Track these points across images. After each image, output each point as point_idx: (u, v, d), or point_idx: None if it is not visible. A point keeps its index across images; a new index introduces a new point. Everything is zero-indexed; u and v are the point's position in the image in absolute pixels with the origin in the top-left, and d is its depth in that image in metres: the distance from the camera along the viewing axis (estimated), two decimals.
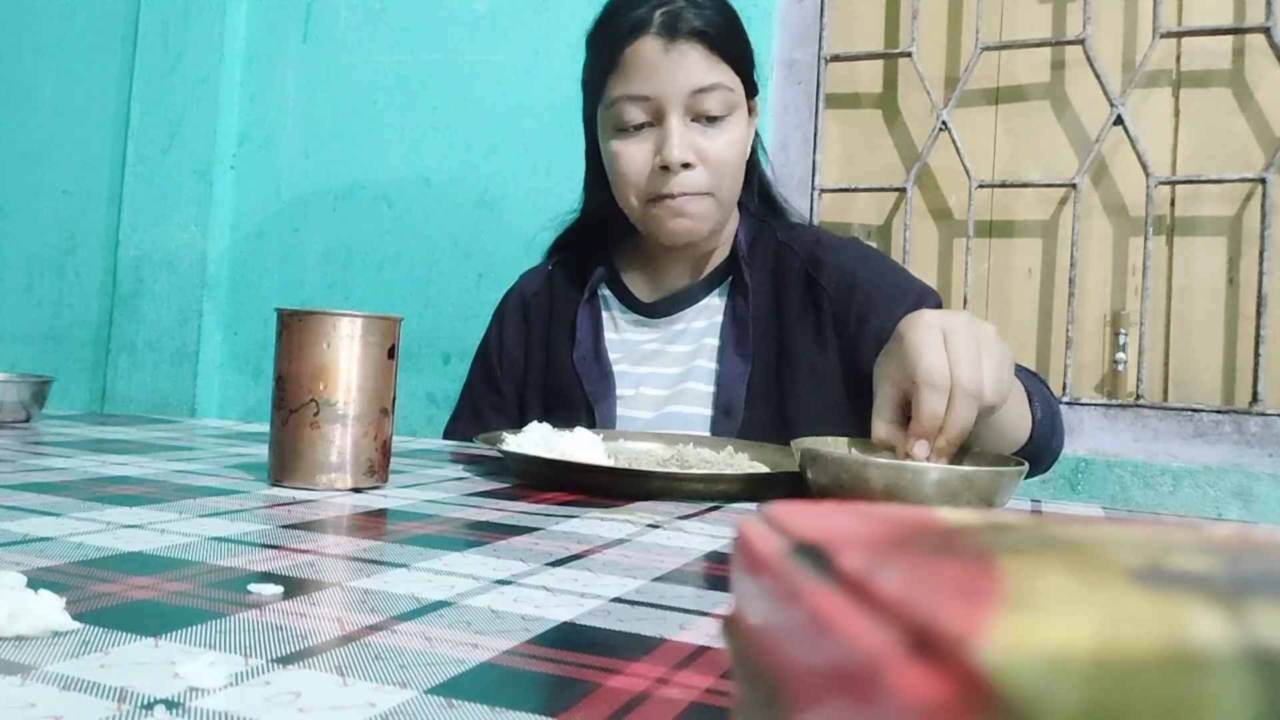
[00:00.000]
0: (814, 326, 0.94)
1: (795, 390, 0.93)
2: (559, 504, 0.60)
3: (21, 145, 1.71)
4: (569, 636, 0.31)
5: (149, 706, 0.23)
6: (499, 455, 0.77)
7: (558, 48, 1.40)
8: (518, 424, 0.93)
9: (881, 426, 0.66)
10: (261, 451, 0.80)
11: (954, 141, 1.31)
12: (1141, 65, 1.25)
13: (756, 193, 1.04)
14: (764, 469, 0.72)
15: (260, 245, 1.57)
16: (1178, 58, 1.28)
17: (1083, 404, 1.25)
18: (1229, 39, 1.25)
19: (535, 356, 1.05)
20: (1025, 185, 1.31)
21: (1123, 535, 0.14)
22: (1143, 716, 0.08)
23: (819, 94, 1.37)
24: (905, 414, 0.65)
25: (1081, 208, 1.27)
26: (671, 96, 0.89)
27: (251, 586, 0.34)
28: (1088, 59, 1.27)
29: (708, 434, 0.92)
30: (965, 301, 1.31)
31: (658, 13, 0.89)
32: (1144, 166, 1.24)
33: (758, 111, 0.98)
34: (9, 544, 0.40)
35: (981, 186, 1.31)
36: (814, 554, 0.14)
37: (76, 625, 0.28)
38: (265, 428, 0.85)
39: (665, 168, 0.90)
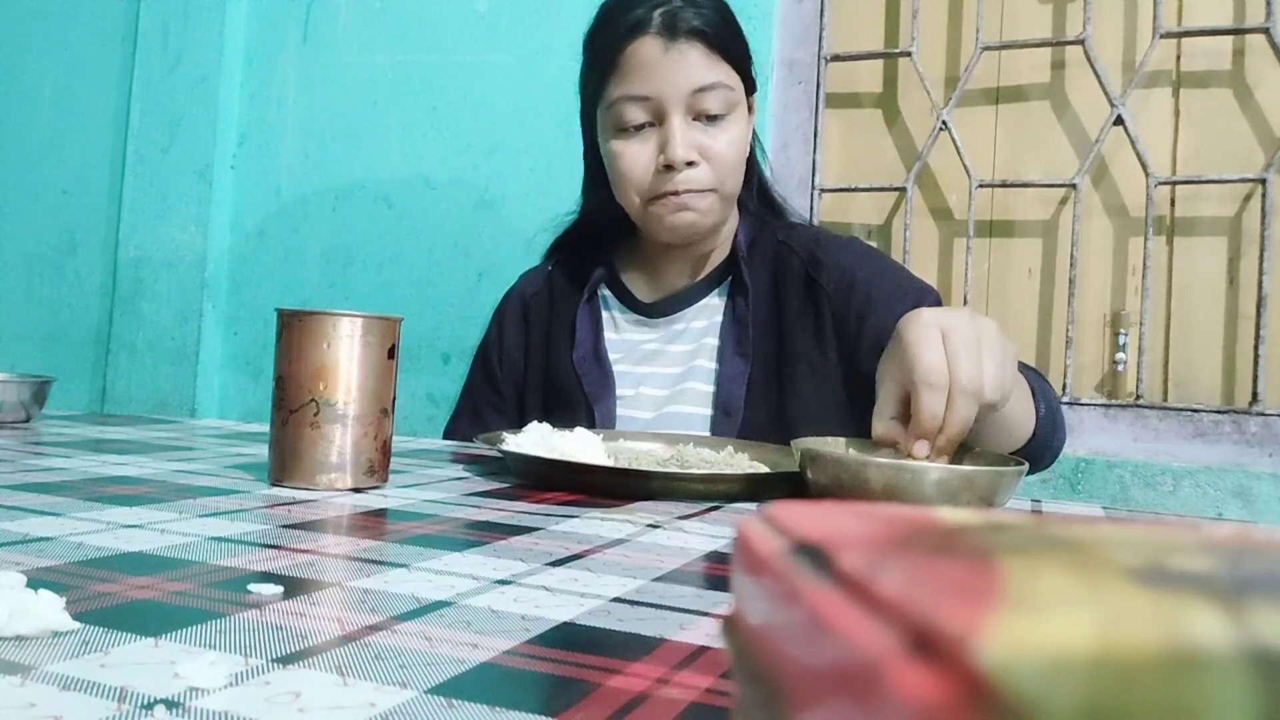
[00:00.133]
0: (814, 326, 0.94)
1: (795, 390, 0.93)
2: (559, 504, 0.60)
3: (21, 145, 1.71)
4: (569, 636, 0.31)
5: (149, 706, 0.23)
6: (499, 455, 0.77)
7: (558, 48, 1.40)
8: (518, 424, 0.93)
9: (881, 425, 0.66)
10: (261, 451, 0.80)
11: (954, 141, 1.31)
12: (1141, 65, 1.25)
13: (755, 191, 1.04)
14: (764, 469, 0.72)
15: (260, 245, 1.57)
16: (1178, 58, 1.28)
17: (1083, 404, 1.25)
18: (1229, 39, 1.25)
19: (535, 357, 1.05)
20: (1025, 185, 1.31)
21: (1123, 535, 0.14)
22: (1143, 716, 0.08)
23: (819, 94, 1.37)
24: (906, 413, 0.65)
25: (1081, 208, 1.27)
26: (672, 96, 0.89)
27: (251, 586, 0.34)
28: (1088, 59, 1.27)
29: (708, 434, 0.92)
30: (965, 301, 1.31)
31: (656, 13, 0.89)
32: (1144, 166, 1.24)
33: (755, 109, 0.98)
34: (9, 544, 0.40)
35: (981, 186, 1.31)
36: (814, 554, 0.14)
37: (76, 625, 0.28)
38: (265, 428, 0.85)
39: (669, 167, 0.90)
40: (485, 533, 0.48)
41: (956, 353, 0.62)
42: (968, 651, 0.09)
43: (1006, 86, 1.35)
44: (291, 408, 0.60)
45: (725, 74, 0.91)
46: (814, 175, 1.37)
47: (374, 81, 1.51)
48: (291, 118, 1.56)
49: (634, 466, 0.70)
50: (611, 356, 1.00)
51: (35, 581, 0.31)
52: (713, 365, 0.96)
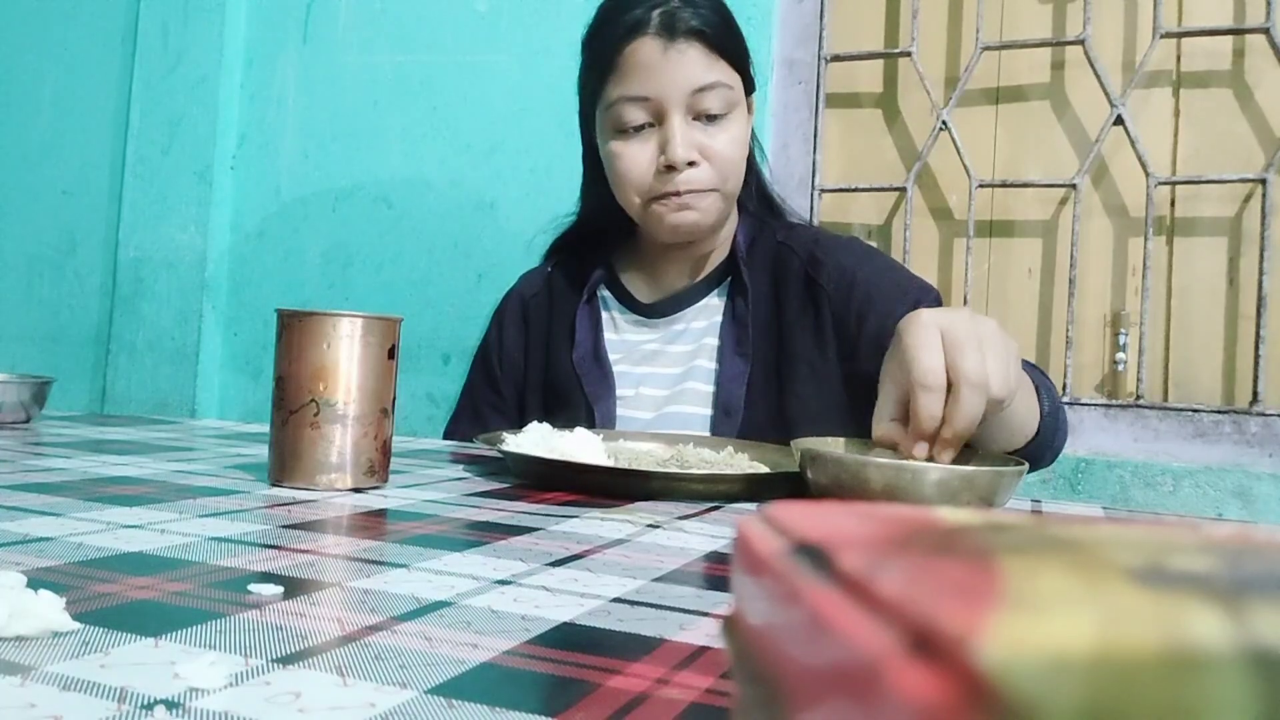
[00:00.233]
0: (813, 326, 0.94)
1: (795, 390, 0.93)
2: (559, 504, 0.60)
3: (21, 145, 1.71)
4: (569, 636, 0.31)
5: (149, 706, 0.23)
6: (499, 455, 0.77)
7: (558, 48, 1.40)
8: (518, 424, 0.93)
9: (881, 427, 0.66)
10: (261, 451, 0.80)
11: (954, 141, 1.31)
12: (1141, 65, 1.25)
13: (755, 192, 1.04)
14: (764, 469, 0.72)
15: (260, 245, 1.57)
16: (1178, 58, 1.28)
17: (1083, 404, 1.25)
18: (1229, 39, 1.25)
19: (535, 357, 1.05)
20: (1025, 185, 1.31)
21: (1123, 535, 0.14)
22: (1143, 716, 0.08)
23: (819, 94, 1.37)
24: (906, 415, 0.65)
25: (1081, 208, 1.27)
26: (672, 96, 0.89)
27: (251, 586, 0.34)
28: (1088, 59, 1.27)
29: (708, 434, 0.92)
30: (965, 301, 1.31)
31: (655, 13, 0.89)
32: (1144, 167, 1.24)
33: (754, 109, 0.98)
34: (9, 544, 0.40)
35: (981, 186, 1.31)
36: (814, 554, 0.14)
37: (76, 625, 0.28)
38: (265, 428, 0.85)
39: (670, 167, 0.90)
40: (485, 533, 0.48)
41: (959, 350, 0.62)
42: (968, 651, 0.09)
43: (1006, 86, 1.35)
44: (291, 408, 0.60)
45: (724, 73, 0.91)
46: (814, 175, 1.37)
47: (374, 81, 1.51)
48: (291, 118, 1.56)
49: (634, 466, 0.70)
50: (611, 357, 1.00)
51: (35, 581, 0.31)
52: (712, 365, 0.96)
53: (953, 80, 1.35)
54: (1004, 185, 1.31)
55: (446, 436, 1.10)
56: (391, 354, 0.63)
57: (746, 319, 0.96)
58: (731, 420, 0.93)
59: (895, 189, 1.36)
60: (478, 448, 0.94)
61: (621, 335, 1.03)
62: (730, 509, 0.62)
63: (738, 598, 0.17)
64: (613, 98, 0.91)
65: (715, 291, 1.01)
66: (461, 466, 0.77)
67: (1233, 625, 0.09)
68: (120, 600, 0.32)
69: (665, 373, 0.98)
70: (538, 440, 0.73)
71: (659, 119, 0.91)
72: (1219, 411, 1.20)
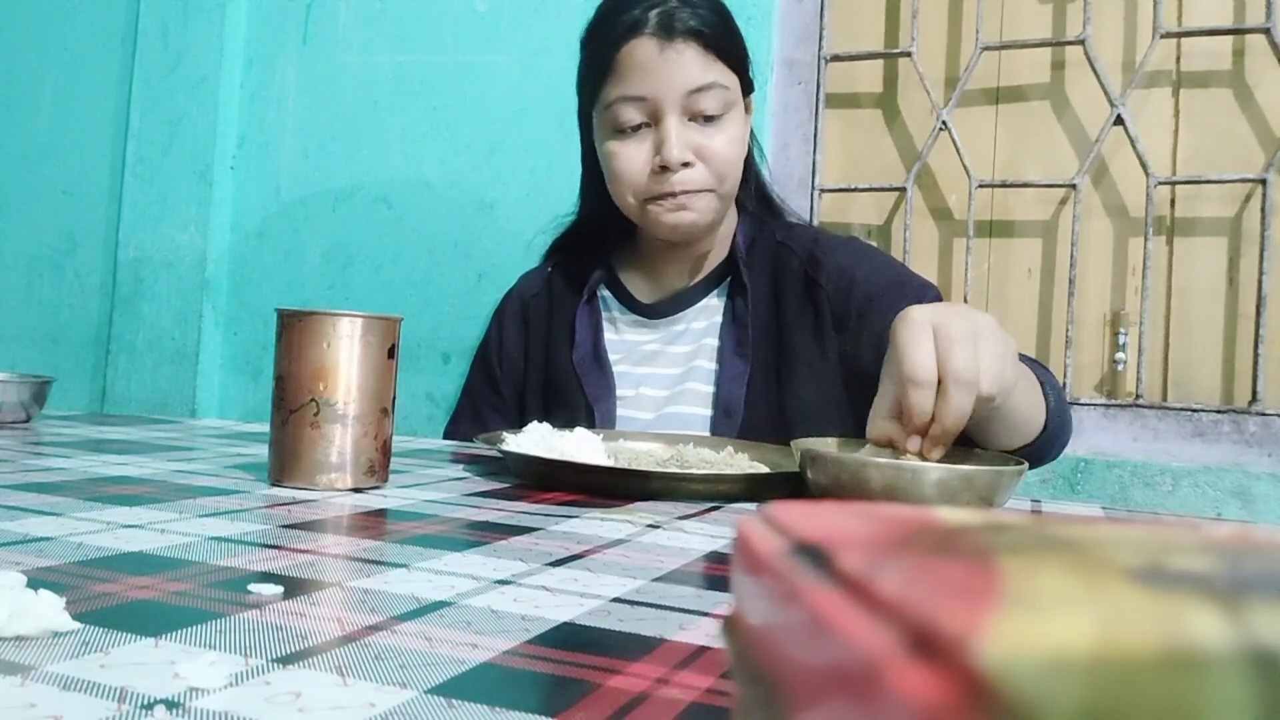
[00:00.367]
0: (813, 326, 0.94)
1: (795, 390, 0.93)
2: (559, 504, 0.60)
3: (21, 145, 1.71)
4: (569, 636, 0.31)
5: (149, 706, 0.23)
6: (499, 455, 0.77)
7: (558, 48, 1.40)
8: (518, 424, 0.93)
9: (876, 425, 0.66)
10: (261, 451, 0.80)
11: (954, 141, 1.31)
12: (1141, 65, 1.25)
13: (754, 192, 1.04)
14: (764, 469, 0.73)
15: (260, 246, 1.57)
16: (1178, 58, 1.28)
17: (1082, 404, 1.25)
18: (1229, 39, 1.25)
19: (535, 357, 1.05)
20: (1025, 185, 1.31)
21: (1123, 535, 0.14)
22: (1142, 716, 0.08)
23: (819, 94, 1.37)
24: (902, 412, 0.65)
25: (1081, 208, 1.27)
26: (668, 97, 0.89)
27: (251, 586, 0.34)
28: (1088, 59, 1.27)
29: (708, 434, 0.92)
30: (965, 301, 1.31)
31: (652, 13, 0.89)
32: (1144, 167, 1.24)
33: (753, 109, 0.98)
34: (9, 544, 0.40)
35: (981, 186, 1.31)
36: (814, 554, 0.14)
37: (76, 625, 0.28)
38: (265, 428, 0.85)
39: (665, 168, 0.90)
40: (485, 533, 0.48)
41: (949, 346, 0.62)
42: (968, 651, 0.09)
43: (1006, 86, 1.35)
44: (291, 408, 0.60)
45: (721, 74, 0.91)
46: (814, 175, 1.37)
47: (374, 81, 1.51)
48: (291, 118, 1.56)
49: (634, 466, 0.70)
50: (611, 357, 1.00)
51: (35, 581, 0.31)
52: (712, 366, 0.96)
53: (953, 80, 1.35)
54: (1004, 185, 1.31)
55: (446, 436, 1.10)
56: (391, 354, 0.63)
57: (746, 319, 0.96)
58: (731, 420, 0.93)
59: (895, 189, 1.36)
60: (478, 448, 0.94)
61: (621, 335, 1.03)
62: (730, 509, 0.62)
63: (738, 598, 0.17)
64: (610, 98, 0.91)
65: (715, 292, 1.01)
66: (461, 466, 0.77)
67: (1232, 625, 0.09)
68: (120, 600, 0.32)
69: (665, 373, 0.98)
70: (538, 440, 0.73)
71: (655, 119, 0.91)
72: (1218, 411, 1.20)
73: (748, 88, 0.96)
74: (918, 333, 0.63)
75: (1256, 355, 1.18)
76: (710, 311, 1.00)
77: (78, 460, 0.68)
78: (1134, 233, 1.28)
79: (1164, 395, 1.26)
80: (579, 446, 0.71)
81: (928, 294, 0.93)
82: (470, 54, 1.46)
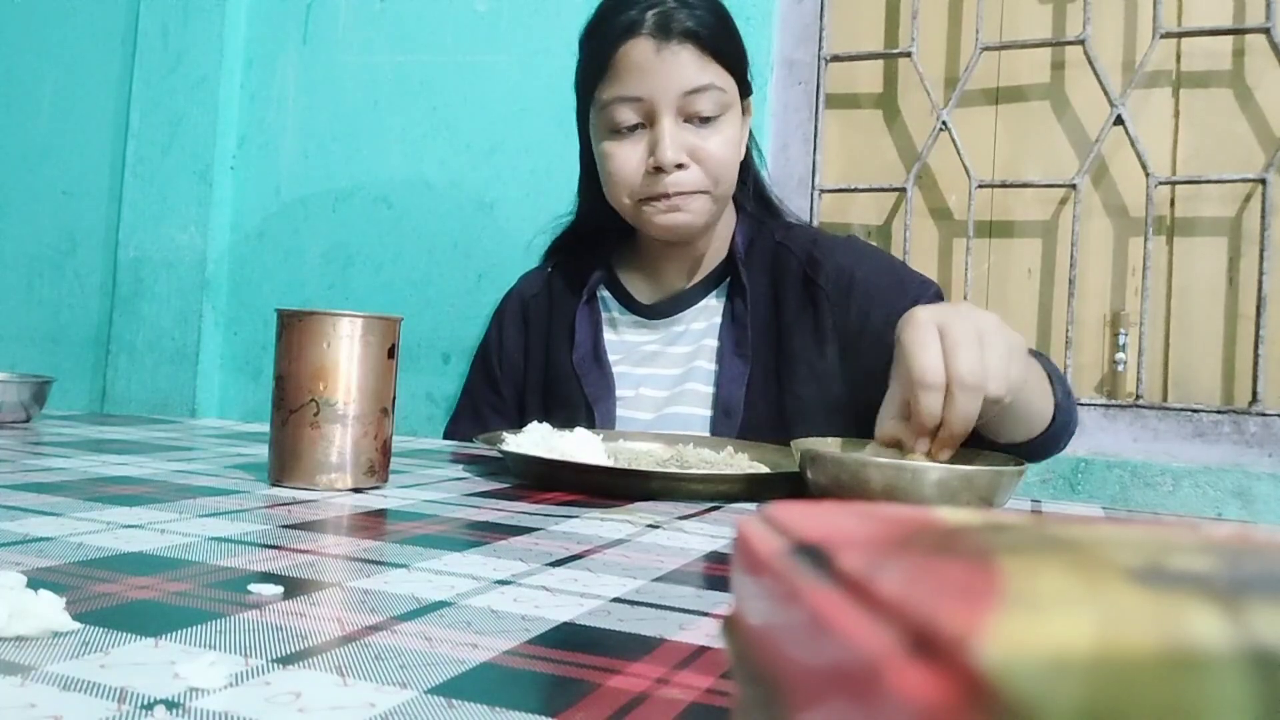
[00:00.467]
0: (812, 326, 0.94)
1: (794, 390, 0.93)
2: (559, 504, 0.60)
3: (21, 145, 1.71)
4: (569, 636, 0.31)
5: (149, 706, 0.23)
6: (499, 455, 0.77)
7: (558, 48, 1.40)
8: (518, 425, 0.93)
9: (884, 426, 0.66)
10: (261, 451, 0.80)
11: (954, 141, 1.31)
12: (1141, 65, 1.25)
13: (752, 193, 1.04)
14: (764, 469, 0.73)
15: (260, 246, 1.57)
16: (1178, 58, 1.28)
17: (1083, 404, 1.25)
18: (1229, 39, 1.25)
19: (535, 358, 1.05)
20: (1025, 185, 1.31)
21: (1123, 535, 0.14)
22: (1142, 716, 0.08)
23: (819, 94, 1.37)
24: (910, 412, 0.65)
25: (1081, 208, 1.27)
26: (663, 98, 0.89)
27: (251, 586, 0.34)
28: (1088, 59, 1.27)
29: (708, 434, 0.92)
30: (965, 301, 1.31)
31: (649, 14, 0.89)
32: (1144, 167, 1.24)
33: (751, 111, 0.98)
34: (9, 544, 0.40)
35: (981, 186, 1.31)
36: (814, 554, 0.14)
37: (76, 625, 0.28)
38: (265, 428, 0.85)
39: (659, 169, 0.90)
40: (485, 533, 0.48)
41: (955, 349, 0.62)
42: (968, 651, 0.09)
43: (1006, 87, 1.35)
44: (291, 408, 0.60)
45: (718, 76, 0.91)
46: (814, 176, 1.37)
47: (374, 81, 1.51)
48: (291, 118, 1.56)
49: (634, 466, 0.70)
50: (611, 357, 1.00)
51: (35, 581, 0.31)
52: (712, 366, 0.96)
53: (953, 80, 1.35)
54: (1004, 185, 1.31)
55: (446, 436, 1.10)
56: (391, 354, 0.63)
57: (745, 320, 0.96)
58: (731, 421, 0.93)
59: (895, 189, 1.36)
60: (478, 448, 0.94)
61: (621, 336, 1.03)
62: (730, 509, 0.62)
63: (738, 598, 0.17)
64: (606, 98, 0.91)
65: (714, 292, 1.01)
66: (461, 466, 0.77)
67: (1232, 625, 0.09)
68: (120, 600, 0.32)
69: (665, 374, 0.98)
70: (538, 440, 0.73)
71: (651, 120, 0.91)
72: (1218, 411, 1.20)
73: (745, 90, 0.95)
74: (924, 335, 0.63)
75: (1257, 355, 1.18)
76: (710, 312, 1.00)
77: (78, 460, 0.68)
78: (1134, 233, 1.28)
79: (1164, 395, 1.26)
80: (579, 446, 0.71)
81: (927, 291, 0.93)
82: (470, 54, 1.46)
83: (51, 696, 0.23)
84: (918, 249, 1.36)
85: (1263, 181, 1.20)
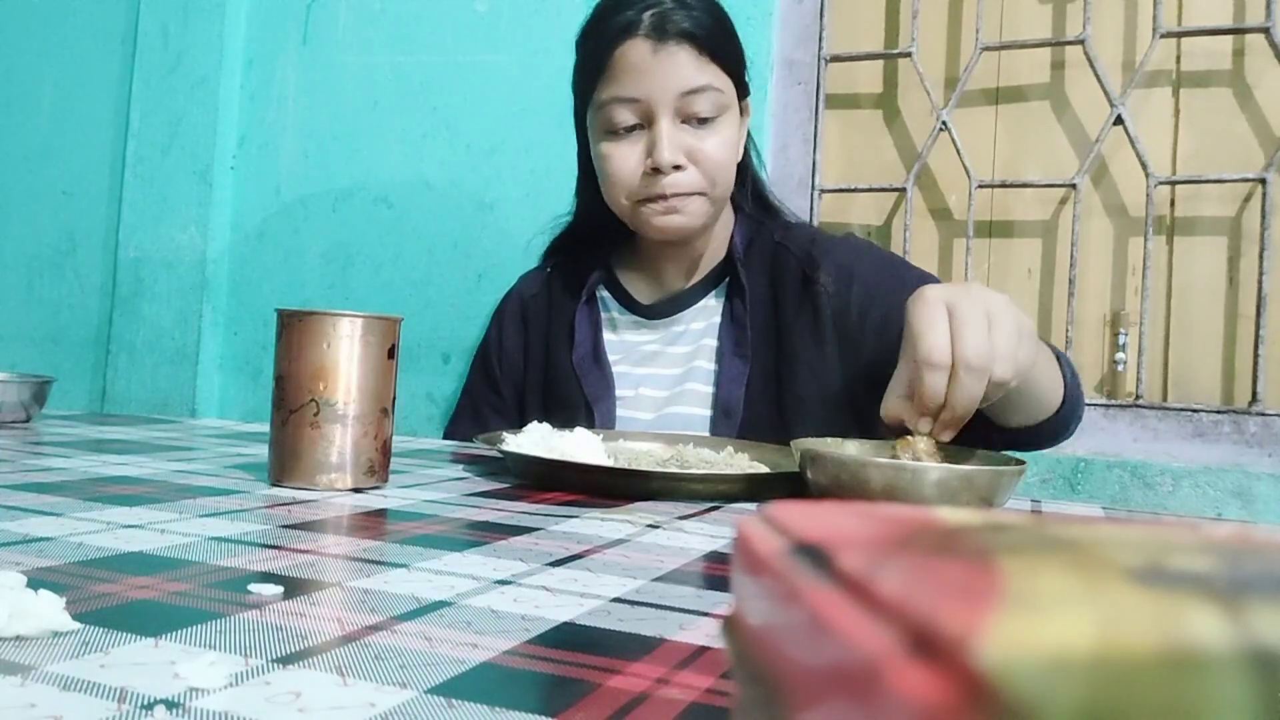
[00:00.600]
0: (812, 326, 0.94)
1: (794, 390, 0.93)
2: (559, 504, 0.60)
3: (21, 145, 1.71)
4: (569, 636, 0.31)
5: (149, 706, 0.23)
6: (499, 455, 0.77)
7: (558, 48, 1.40)
8: (517, 425, 0.93)
9: (889, 403, 0.66)
10: (261, 451, 0.80)
11: (954, 141, 1.31)
12: (1141, 65, 1.25)
13: (751, 193, 1.04)
14: (764, 469, 0.73)
15: (260, 246, 1.57)
16: (1178, 58, 1.28)
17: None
18: (1229, 39, 1.25)
19: (535, 358, 1.05)
20: (1025, 185, 1.31)
21: (1123, 535, 0.14)
22: (1142, 716, 0.08)
23: (819, 94, 1.37)
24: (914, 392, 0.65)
25: (1081, 208, 1.27)
26: (661, 98, 0.89)
27: (251, 586, 0.34)
28: (1088, 59, 1.27)
29: (707, 434, 0.92)
30: None
31: (646, 15, 0.89)
32: (1144, 166, 1.24)
33: (749, 112, 0.98)
34: (9, 544, 0.40)
35: (981, 186, 1.31)
36: (814, 554, 0.14)
37: (76, 625, 0.28)
38: (265, 428, 0.85)
39: (656, 170, 0.90)
40: (485, 533, 0.48)
41: (962, 329, 0.61)
42: (967, 651, 0.09)
43: (1006, 86, 1.35)
44: (291, 408, 0.60)
45: (715, 77, 0.90)
46: (814, 176, 1.37)
47: (374, 81, 1.51)
48: (291, 118, 1.56)
49: (634, 466, 0.70)
50: (611, 358, 1.00)
51: (35, 581, 0.31)
52: (712, 366, 0.96)
53: (952, 80, 1.35)
54: (1004, 185, 1.31)
55: (446, 436, 1.10)
56: (391, 354, 0.63)
57: (745, 320, 0.96)
58: (731, 421, 0.93)
59: (895, 189, 1.36)
60: (478, 448, 0.94)
61: (621, 336, 1.03)
62: (730, 509, 0.62)
63: (738, 598, 0.17)
64: (603, 98, 0.91)
65: (714, 292, 1.01)
66: (461, 466, 0.77)
67: (1232, 625, 0.09)
68: (120, 600, 0.32)
69: (665, 374, 0.98)
70: (538, 440, 0.73)
71: (648, 121, 0.91)
72: (1218, 411, 1.20)
73: (743, 91, 0.95)
74: (933, 313, 0.62)
75: (1256, 355, 1.18)
76: (709, 312, 1.00)
77: (78, 460, 0.68)
78: (1134, 232, 1.28)
79: (1164, 395, 1.26)
80: (579, 446, 0.71)
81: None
82: (470, 54, 1.46)
83: (51, 696, 0.23)
84: (918, 249, 1.36)
85: (1263, 181, 1.20)
